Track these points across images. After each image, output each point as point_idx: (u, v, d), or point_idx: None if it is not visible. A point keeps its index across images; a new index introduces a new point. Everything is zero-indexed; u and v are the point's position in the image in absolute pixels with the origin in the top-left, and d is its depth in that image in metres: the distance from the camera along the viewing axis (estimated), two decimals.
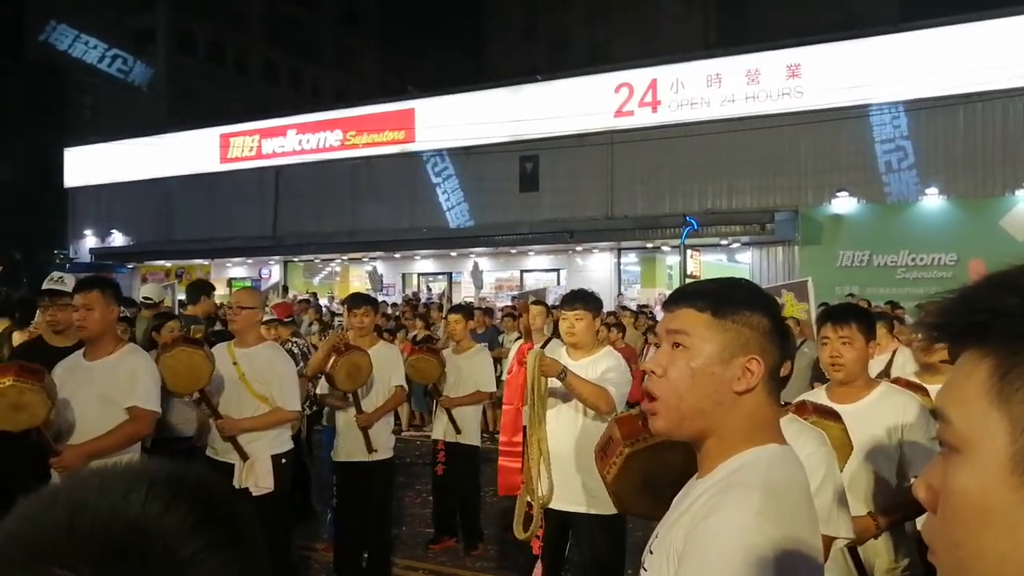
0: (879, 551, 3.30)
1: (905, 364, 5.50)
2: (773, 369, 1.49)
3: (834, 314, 3.43)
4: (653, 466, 1.90)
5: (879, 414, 3.28)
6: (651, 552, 1.51)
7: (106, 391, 4.10)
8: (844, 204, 18.55)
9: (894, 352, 6.05)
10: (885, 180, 18.54)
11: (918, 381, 3.93)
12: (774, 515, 1.31)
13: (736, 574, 1.25)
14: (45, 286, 5.06)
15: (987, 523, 0.70)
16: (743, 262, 20.87)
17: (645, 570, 1.50)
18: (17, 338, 5.89)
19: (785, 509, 1.34)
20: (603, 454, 2.04)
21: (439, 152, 23.64)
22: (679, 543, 1.38)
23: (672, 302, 1.58)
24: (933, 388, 3.57)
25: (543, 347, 4.72)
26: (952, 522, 0.74)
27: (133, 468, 0.71)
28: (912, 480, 2.67)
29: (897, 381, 3.81)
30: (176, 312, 8.22)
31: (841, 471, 2.84)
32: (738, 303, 1.50)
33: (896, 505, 3.17)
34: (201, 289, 7.89)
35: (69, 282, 5.02)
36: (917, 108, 18.10)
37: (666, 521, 1.53)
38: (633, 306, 16.71)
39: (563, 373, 4.20)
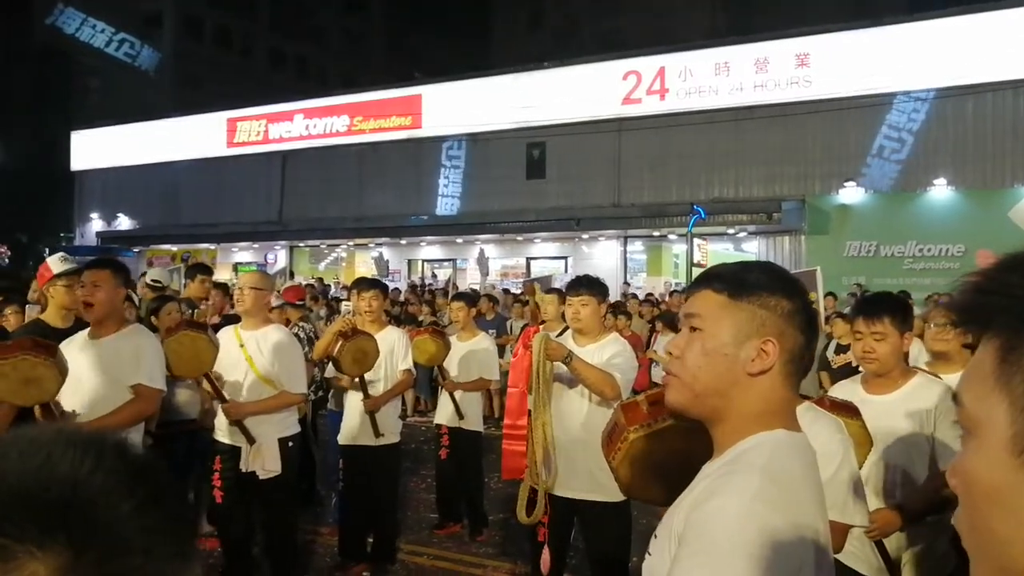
0: (907, 542, 3.24)
1: (919, 354, 5.43)
2: (792, 352, 1.46)
3: (866, 308, 3.31)
4: (658, 451, 1.89)
5: (913, 405, 3.22)
6: (656, 537, 1.50)
7: (111, 369, 4.11)
8: (851, 194, 18.49)
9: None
10: (893, 170, 18.48)
11: (929, 371, 3.89)
12: (774, 500, 1.30)
13: (731, 558, 1.24)
14: (59, 270, 5.02)
15: (994, 505, 0.70)
16: (750, 251, 20.85)
17: (650, 554, 1.50)
18: (12, 320, 5.87)
19: (786, 494, 1.32)
20: (609, 440, 2.03)
21: (458, 138, 23.59)
22: (679, 526, 1.37)
23: (693, 285, 1.58)
24: (946, 378, 3.51)
25: (558, 336, 4.69)
26: (968, 505, 0.74)
27: (48, 432, 0.67)
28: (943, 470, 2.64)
29: None
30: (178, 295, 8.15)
31: (860, 467, 2.79)
32: (756, 284, 1.48)
33: (925, 496, 3.11)
34: (195, 271, 7.76)
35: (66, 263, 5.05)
36: (926, 98, 18.04)
37: (673, 505, 1.52)
38: (640, 294, 16.67)
39: (568, 357, 4.19)
